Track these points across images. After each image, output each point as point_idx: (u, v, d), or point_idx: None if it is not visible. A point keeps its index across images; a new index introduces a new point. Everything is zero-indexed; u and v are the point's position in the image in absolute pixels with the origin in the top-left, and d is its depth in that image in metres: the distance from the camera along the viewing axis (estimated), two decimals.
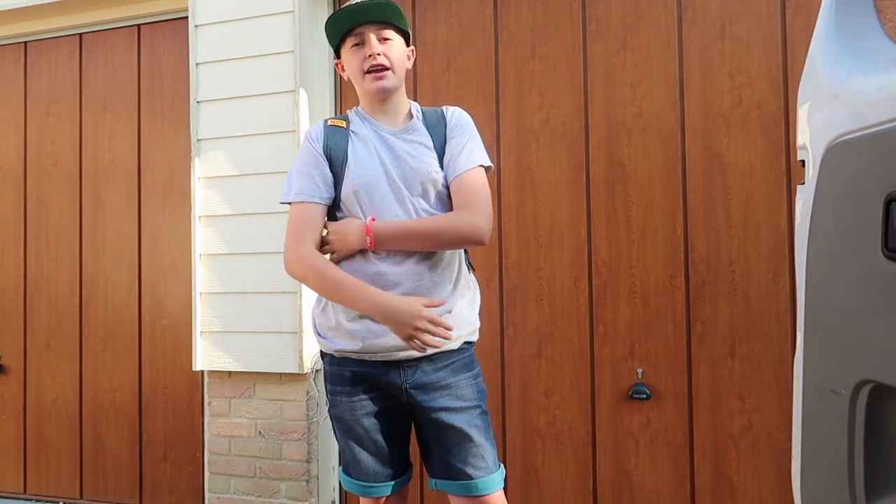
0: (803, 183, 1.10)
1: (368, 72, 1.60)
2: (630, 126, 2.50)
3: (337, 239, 1.57)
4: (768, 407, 2.34)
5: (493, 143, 2.62)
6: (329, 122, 1.66)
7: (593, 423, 2.52)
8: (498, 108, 2.65)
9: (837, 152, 0.98)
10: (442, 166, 1.61)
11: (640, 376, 2.47)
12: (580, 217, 2.54)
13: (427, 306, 1.49)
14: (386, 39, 1.61)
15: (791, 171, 2.33)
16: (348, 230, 1.56)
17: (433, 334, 1.47)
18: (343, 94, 2.86)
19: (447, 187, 1.61)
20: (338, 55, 1.69)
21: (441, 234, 1.54)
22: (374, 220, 1.54)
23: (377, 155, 1.60)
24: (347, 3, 1.61)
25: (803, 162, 1.12)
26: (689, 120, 2.44)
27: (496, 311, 2.62)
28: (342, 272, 1.55)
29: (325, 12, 2.83)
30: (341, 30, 1.62)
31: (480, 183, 1.60)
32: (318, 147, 1.62)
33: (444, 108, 1.71)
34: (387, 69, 1.59)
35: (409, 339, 1.48)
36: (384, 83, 1.60)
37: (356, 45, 1.61)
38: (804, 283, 1.06)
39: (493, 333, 2.61)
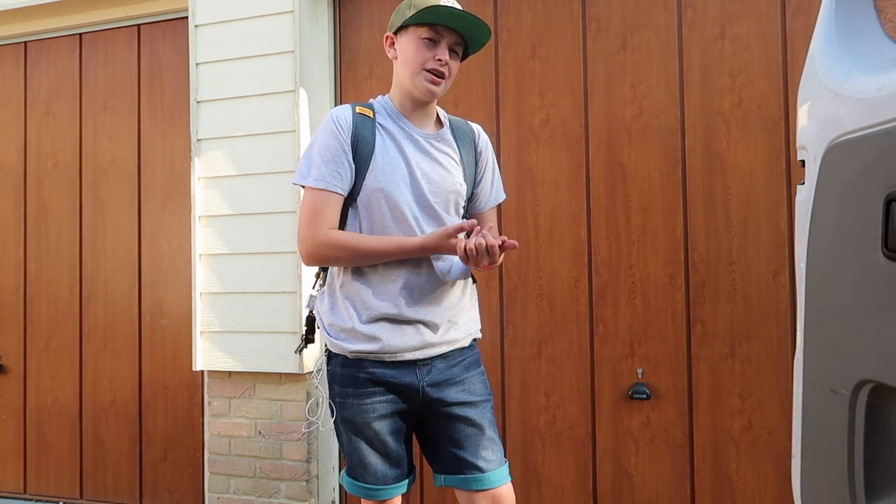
0: (803, 183, 1.10)
1: (428, 71, 1.56)
2: (630, 126, 2.50)
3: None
4: (768, 407, 2.34)
5: (494, 143, 2.61)
6: (357, 110, 1.60)
7: (593, 423, 2.52)
8: (498, 108, 2.65)
9: (837, 152, 0.98)
10: (466, 184, 1.67)
11: (640, 376, 2.47)
12: (580, 217, 2.54)
13: (449, 234, 1.48)
14: (454, 53, 1.60)
15: (791, 171, 2.33)
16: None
17: (469, 245, 1.43)
18: (343, 94, 2.86)
19: (464, 200, 1.68)
20: (395, 31, 1.62)
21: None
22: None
23: (407, 155, 1.59)
24: (455, 5, 1.56)
25: (803, 162, 1.12)
26: (689, 120, 2.44)
27: (496, 311, 2.62)
28: (366, 238, 1.55)
29: (325, 12, 2.83)
30: (430, 19, 1.55)
31: (496, 218, 1.80)
32: (345, 135, 1.55)
33: (472, 125, 1.74)
34: (444, 78, 1.59)
35: (461, 253, 1.45)
36: (436, 89, 1.58)
37: (429, 39, 1.56)
38: (804, 283, 1.06)
39: (493, 333, 2.61)
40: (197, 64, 2.81)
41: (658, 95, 2.47)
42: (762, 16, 2.38)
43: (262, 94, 2.72)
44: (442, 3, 1.54)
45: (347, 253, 1.54)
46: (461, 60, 1.64)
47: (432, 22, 1.55)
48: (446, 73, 1.58)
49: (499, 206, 1.81)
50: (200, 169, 2.81)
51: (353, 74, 2.84)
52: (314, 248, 1.55)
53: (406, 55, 1.58)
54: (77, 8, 3.13)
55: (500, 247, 1.43)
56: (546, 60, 2.60)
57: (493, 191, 1.76)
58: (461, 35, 1.59)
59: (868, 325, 0.92)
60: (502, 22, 2.66)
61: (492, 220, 1.74)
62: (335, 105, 2.85)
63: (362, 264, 1.56)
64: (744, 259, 2.37)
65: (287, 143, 2.67)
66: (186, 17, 2.98)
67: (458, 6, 1.57)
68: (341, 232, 1.56)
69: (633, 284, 2.48)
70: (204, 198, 2.80)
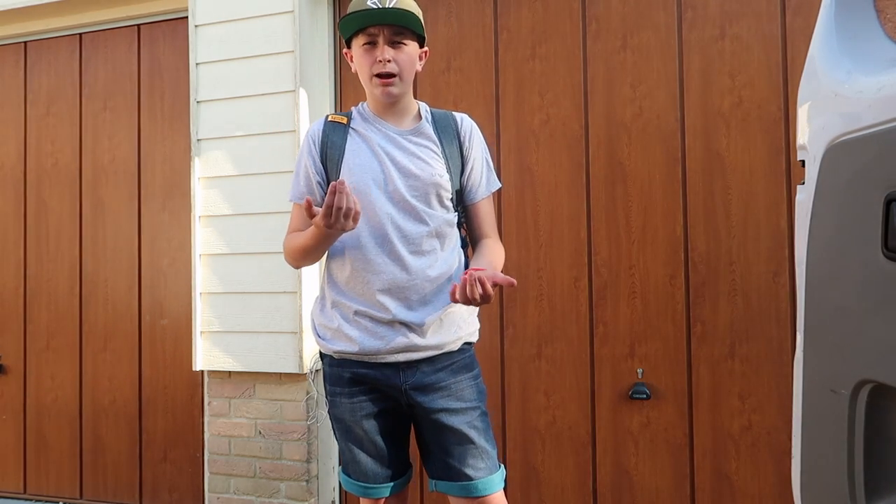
0: (803, 183, 1.10)
1: (375, 77, 1.57)
2: (630, 126, 2.50)
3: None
4: (768, 407, 2.34)
5: (494, 143, 2.62)
6: (329, 118, 1.66)
7: (593, 423, 2.52)
8: (498, 108, 2.65)
9: (837, 152, 0.98)
10: (452, 175, 1.62)
11: (640, 376, 2.47)
12: (580, 217, 2.54)
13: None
14: (399, 44, 1.58)
15: (791, 171, 2.33)
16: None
17: (339, 203, 1.38)
18: (343, 94, 2.86)
19: (451, 193, 1.63)
20: (349, 45, 1.66)
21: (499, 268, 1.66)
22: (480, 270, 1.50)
23: (379, 154, 1.59)
24: (368, 4, 1.56)
25: (803, 162, 1.12)
26: (689, 120, 2.44)
27: (496, 311, 2.62)
28: (295, 236, 1.60)
29: (325, 12, 2.83)
30: (355, 27, 1.59)
31: (493, 209, 1.75)
32: (316, 148, 1.63)
33: (455, 114, 1.70)
34: (394, 76, 1.57)
35: (346, 217, 1.39)
36: (390, 90, 1.58)
37: (367, 44, 1.58)
38: (804, 283, 1.06)
39: (493, 333, 2.61)
40: (197, 64, 2.81)
41: (658, 95, 2.47)
42: (762, 16, 2.38)
43: (262, 94, 2.72)
44: (367, 5, 1.55)
45: (289, 254, 1.64)
46: (421, 42, 1.65)
47: (358, 29, 1.58)
48: (394, 70, 1.57)
49: (497, 202, 1.78)
50: (200, 169, 2.81)
51: (352, 74, 2.81)
52: (284, 255, 1.68)
53: (357, 66, 1.64)
54: (77, 8, 3.13)
55: (491, 284, 1.40)
56: (546, 60, 2.60)
57: (484, 179, 1.69)
58: (397, 25, 1.57)
59: (868, 325, 0.92)
60: (502, 22, 2.66)
61: (486, 211, 1.70)
62: (335, 105, 2.86)
63: (306, 260, 1.62)
64: (744, 259, 2.37)
65: (287, 143, 2.67)
66: (186, 17, 2.98)
67: (380, 3, 1.54)
68: (288, 238, 1.65)
69: (633, 284, 2.48)
70: (204, 198, 2.80)
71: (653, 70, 2.48)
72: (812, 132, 1.07)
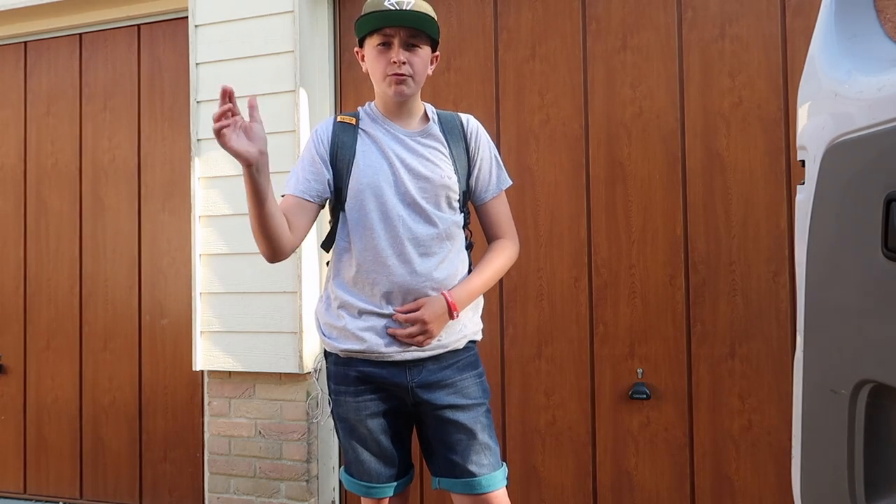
0: (803, 183, 1.10)
1: (389, 76, 1.57)
2: (630, 126, 2.50)
3: (433, 326, 1.54)
4: (768, 407, 2.35)
5: (493, 144, 2.61)
6: (339, 119, 1.66)
7: (593, 423, 2.52)
8: (498, 108, 2.65)
9: (837, 152, 0.98)
10: (459, 177, 1.63)
11: (640, 376, 2.47)
12: (580, 217, 2.54)
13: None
14: (414, 46, 1.58)
15: (791, 171, 2.33)
16: (436, 313, 1.54)
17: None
18: (343, 94, 2.86)
19: (458, 194, 1.64)
20: (361, 44, 1.65)
21: (502, 272, 1.72)
22: (449, 293, 1.57)
23: (389, 155, 1.59)
24: (386, 5, 1.55)
25: (803, 162, 1.12)
26: (689, 120, 2.44)
27: (496, 311, 2.62)
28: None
29: (325, 12, 2.83)
30: (371, 27, 1.58)
31: (507, 207, 1.76)
32: (324, 146, 1.62)
33: (460, 115, 1.71)
34: (407, 76, 1.57)
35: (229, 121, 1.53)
36: (402, 89, 1.58)
37: (382, 44, 1.57)
38: (804, 283, 1.06)
39: (493, 333, 2.61)
40: (197, 64, 2.81)
41: (658, 95, 2.47)
42: (762, 16, 2.38)
43: (262, 94, 2.71)
44: (385, 6, 1.55)
45: (253, 233, 1.61)
46: (434, 46, 1.64)
47: (374, 29, 1.57)
48: (408, 72, 1.56)
49: (507, 195, 1.77)
50: (200, 169, 2.81)
51: (353, 74, 2.84)
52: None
53: (370, 66, 1.62)
54: (77, 8, 3.13)
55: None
56: (546, 60, 2.60)
57: (494, 177, 1.70)
58: (414, 28, 1.56)
59: (868, 325, 0.92)
60: (502, 22, 2.66)
61: (498, 210, 1.71)
62: (335, 105, 2.86)
63: (258, 229, 1.60)
64: (744, 259, 2.37)
65: (287, 143, 2.67)
66: (186, 17, 2.98)
67: (398, 5, 1.55)
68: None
69: (633, 284, 2.48)
70: (204, 198, 2.80)
71: (653, 70, 2.48)
72: (812, 132, 1.07)
